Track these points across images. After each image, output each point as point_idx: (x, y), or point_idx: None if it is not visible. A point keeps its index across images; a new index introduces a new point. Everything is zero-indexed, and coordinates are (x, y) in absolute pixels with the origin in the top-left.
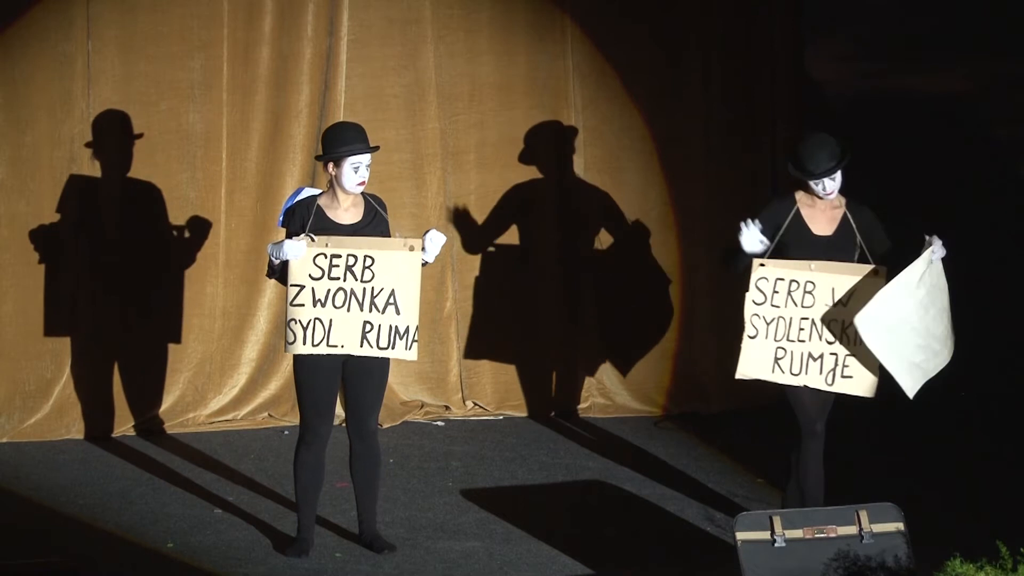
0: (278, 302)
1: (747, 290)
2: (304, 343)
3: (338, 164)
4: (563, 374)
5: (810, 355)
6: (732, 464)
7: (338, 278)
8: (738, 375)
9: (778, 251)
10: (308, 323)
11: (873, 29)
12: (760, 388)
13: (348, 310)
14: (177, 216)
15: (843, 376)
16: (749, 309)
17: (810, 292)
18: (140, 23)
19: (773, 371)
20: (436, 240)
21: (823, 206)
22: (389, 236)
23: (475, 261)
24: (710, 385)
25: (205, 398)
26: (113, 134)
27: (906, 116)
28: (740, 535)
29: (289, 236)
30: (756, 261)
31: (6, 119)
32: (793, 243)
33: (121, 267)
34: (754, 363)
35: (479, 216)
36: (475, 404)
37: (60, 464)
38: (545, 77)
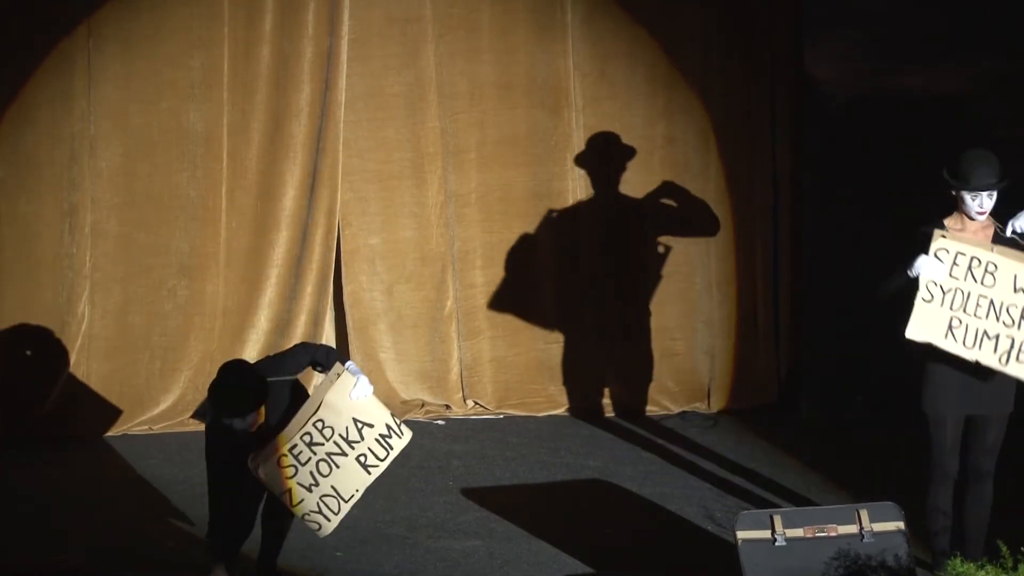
0: (278, 301)
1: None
2: (329, 520)
3: None
4: (564, 373)
5: (985, 333)
6: (732, 464)
7: (310, 459)
8: (908, 335)
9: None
10: (318, 507)
11: (873, 29)
12: (760, 388)
13: (338, 467)
14: (178, 215)
15: (1018, 360)
16: (925, 276)
17: (991, 273)
18: (140, 22)
19: (946, 337)
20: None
21: (973, 228)
22: (296, 395)
23: (476, 260)
24: (710, 385)
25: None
26: (113, 133)
27: (906, 116)
28: (740, 534)
29: (212, 435)
30: (937, 232)
31: (6, 118)
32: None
33: (121, 266)
34: (926, 327)
35: (480, 215)
36: (476, 403)
37: (61, 464)
38: (545, 76)
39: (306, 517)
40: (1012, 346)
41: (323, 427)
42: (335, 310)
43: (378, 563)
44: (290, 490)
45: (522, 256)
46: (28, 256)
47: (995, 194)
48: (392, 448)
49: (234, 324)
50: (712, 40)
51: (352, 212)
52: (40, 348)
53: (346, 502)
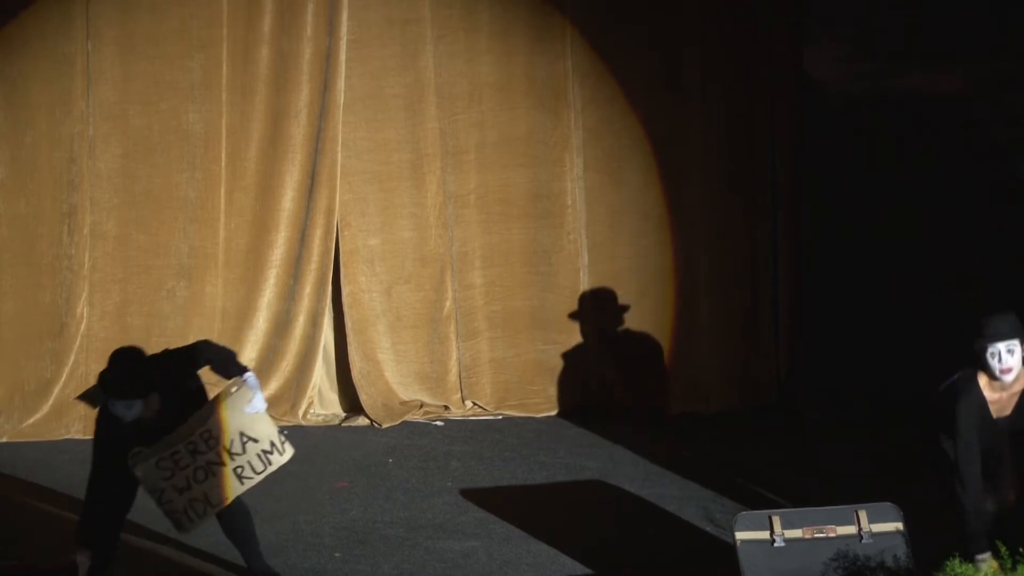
0: (277, 302)
1: None
2: (193, 522)
3: None
4: (563, 374)
5: None
6: (732, 465)
7: (188, 465)
8: None
9: None
10: (185, 508)
11: (873, 29)
12: (760, 389)
13: (214, 475)
14: (177, 216)
15: None
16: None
17: None
18: (140, 23)
19: None
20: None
21: (1008, 393)
22: (193, 399)
23: (475, 261)
24: (710, 385)
25: None
26: (113, 134)
27: (906, 116)
28: (740, 535)
29: (103, 430)
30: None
31: (6, 119)
32: (977, 430)
33: (120, 267)
34: None
35: (479, 216)
36: (474, 404)
37: (60, 464)
38: (545, 77)
39: (168, 514)
40: None
41: (208, 438)
42: (334, 311)
43: (377, 564)
44: (163, 490)
45: (521, 257)
46: (27, 257)
47: (1018, 351)
48: (271, 464)
49: (233, 325)
50: (712, 40)
51: (351, 213)
52: (39, 349)
53: (213, 507)
